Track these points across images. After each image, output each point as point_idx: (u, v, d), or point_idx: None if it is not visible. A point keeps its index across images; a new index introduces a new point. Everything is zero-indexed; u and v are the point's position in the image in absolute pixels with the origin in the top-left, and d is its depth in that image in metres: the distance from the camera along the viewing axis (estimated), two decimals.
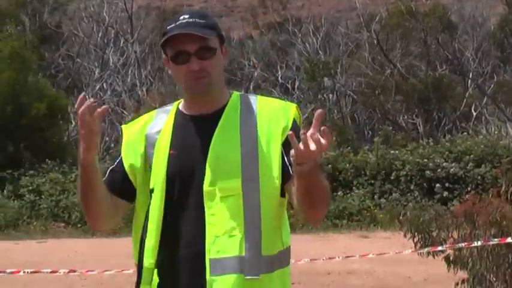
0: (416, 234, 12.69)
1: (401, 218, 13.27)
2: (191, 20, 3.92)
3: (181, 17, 3.95)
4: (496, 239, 12.17)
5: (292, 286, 16.28)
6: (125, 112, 41.91)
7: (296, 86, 54.16)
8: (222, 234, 3.76)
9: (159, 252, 3.91)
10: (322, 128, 3.54)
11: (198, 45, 3.87)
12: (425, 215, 13.54)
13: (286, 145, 3.81)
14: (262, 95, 4.27)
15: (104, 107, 3.78)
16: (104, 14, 46.77)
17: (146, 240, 3.90)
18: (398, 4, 57.90)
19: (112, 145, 39.21)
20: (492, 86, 54.12)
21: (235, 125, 3.92)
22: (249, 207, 3.80)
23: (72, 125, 38.67)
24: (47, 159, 34.24)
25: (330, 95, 53.98)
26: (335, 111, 53.22)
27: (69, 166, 33.98)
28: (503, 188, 13.30)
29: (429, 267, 14.14)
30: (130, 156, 4.04)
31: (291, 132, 3.65)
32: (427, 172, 34.10)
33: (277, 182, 3.91)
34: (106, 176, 4.08)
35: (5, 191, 32.64)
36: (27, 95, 35.17)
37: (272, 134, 3.92)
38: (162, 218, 3.87)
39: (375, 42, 54.81)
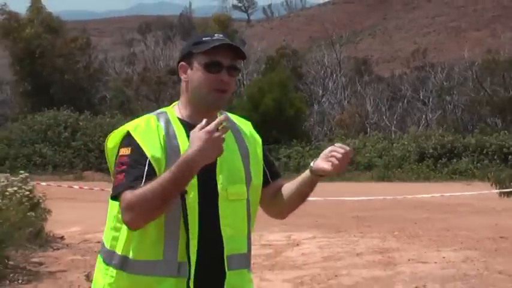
0: (498, 184, 13.69)
1: (489, 175, 14.10)
2: (227, 38, 2.60)
3: (216, 34, 2.59)
4: None
5: (426, 211, 16.37)
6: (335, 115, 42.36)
7: None
8: (235, 233, 2.58)
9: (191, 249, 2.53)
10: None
11: (231, 62, 2.57)
12: (503, 174, 14.40)
13: (264, 157, 2.77)
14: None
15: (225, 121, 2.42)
16: (325, 60, 47.36)
17: (190, 238, 2.50)
18: None
19: None
20: None
21: (231, 136, 2.63)
22: (249, 210, 2.66)
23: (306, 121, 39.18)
24: (293, 139, 34.69)
25: None
26: None
27: (304, 142, 34.67)
28: None
29: (507, 203, 14.49)
30: (152, 151, 2.51)
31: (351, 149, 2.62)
32: (504, 149, 32.58)
33: (261, 188, 2.74)
34: (143, 181, 2.43)
35: None
36: (284, 103, 35.94)
37: (257, 145, 2.76)
38: (198, 217, 2.51)
39: None
